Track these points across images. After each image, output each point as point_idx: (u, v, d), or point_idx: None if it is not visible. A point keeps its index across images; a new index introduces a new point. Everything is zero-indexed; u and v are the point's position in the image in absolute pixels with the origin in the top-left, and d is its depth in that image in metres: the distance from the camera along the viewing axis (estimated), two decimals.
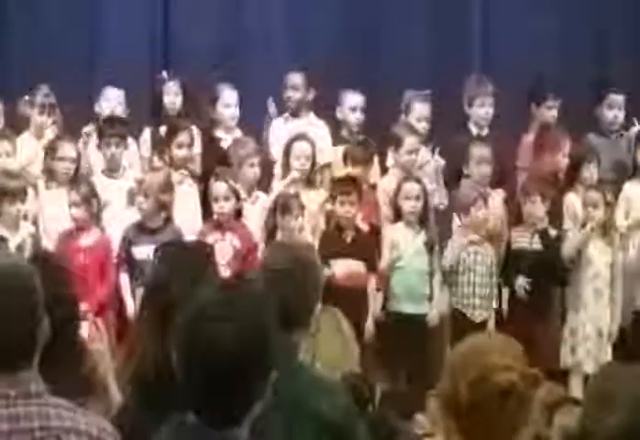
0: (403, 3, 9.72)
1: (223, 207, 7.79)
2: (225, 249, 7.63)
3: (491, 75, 8.96)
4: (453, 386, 2.59)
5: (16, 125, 8.55)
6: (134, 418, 3.35)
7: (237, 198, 7.86)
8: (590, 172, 8.32)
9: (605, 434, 2.73)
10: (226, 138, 8.68)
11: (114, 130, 8.26)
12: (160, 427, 2.51)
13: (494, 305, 7.94)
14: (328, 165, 8.53)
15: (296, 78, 8.83)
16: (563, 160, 8.45)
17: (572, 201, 8.25)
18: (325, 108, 8.88)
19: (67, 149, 8.09)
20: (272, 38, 9.64)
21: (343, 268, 7.70)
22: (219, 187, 7.84)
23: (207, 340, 2.48)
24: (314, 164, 8.27)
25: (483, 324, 7.74)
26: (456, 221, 8.14)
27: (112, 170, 8.24)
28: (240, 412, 2.51)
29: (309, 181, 8.26)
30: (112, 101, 8.70)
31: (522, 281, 7.85)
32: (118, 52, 9.39)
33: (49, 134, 8.38)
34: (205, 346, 2.48)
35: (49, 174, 8.06)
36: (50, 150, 8.10)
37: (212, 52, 9.61)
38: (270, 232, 7.76)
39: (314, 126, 8.80)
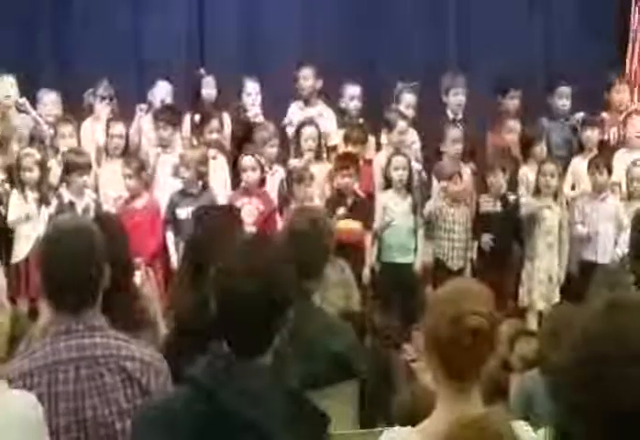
0: (397, 13, 9.64)
1: (250, 176, 7.77)
2: (251, 211, 7.62)
3: (466, 72, 8.89)
4: (434, 325, 2.58)
5: (82, 112, 8.54)
6: (176, 348, 3.35)
7: (262, 170, 7.85)
8: (541, 149, 8.30)
9: (555, 361, 2.72)
10: (250, 121, 8.63)
11: (165, 116, 8.26)
12: (197, 356, 2.50)
13: (468, 256, 7.93)
14: (334, 147, 8.50)
15: (306, 70, 8.77)
16: (514, 138, 8.46)
17: (526, 172, 8.24)
18: (332, 98, 8.82)
19: (117, 129, 8.11)
20: (286, 39, 9.55)
21: (344, 226, 7.69)
22: (247, 160, 7.83)
23: (233, 289, 2.47)
24: (319, 143, 8.24)
25: (459, 272, 7.72)
26: (434, 187, 8.13)
27: (163, 147, 8.22)
28: (264, 344, 2.49)
29: (317, 157, 8.21)
30: (162, 92, 8.66)
31: (487, 238, 7.83)
32: (163, 54, 9.32)
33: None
34: (233, 296, 2.47)
35: (106, 151, 8.08)
36: (105, 131, 8.11)
37: (238, 52, 9.55)
38: (284, 198, 7.77)
39: (323, 112, 8.73)
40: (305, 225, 3.77)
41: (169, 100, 8.62)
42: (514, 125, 8.58)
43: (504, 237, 7.87)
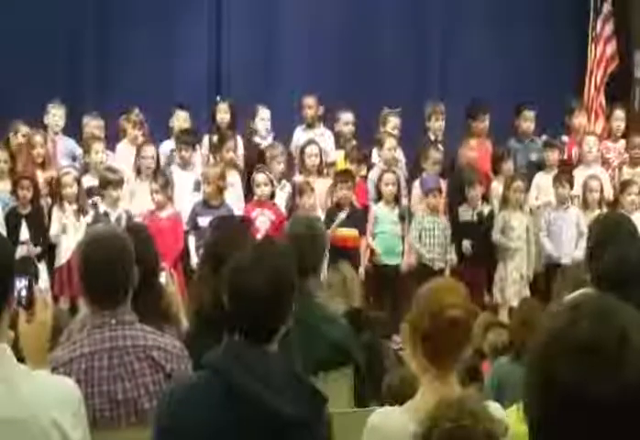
0: (389, 52, 9.69)
1: (263, 190, 7.75)
2: (264, 221, 7.63)
3: (445, 100, 8.89)
4: (418, 317, 2.58)
5: (117, 135, 8.54)
6: (196, 339, 3.34)
7: (272, 185, 7.84)
8: (508, 166, 8.35)
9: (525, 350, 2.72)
10: (261, 143, 8.63)
11: (185, 138, 8.24)
12: (215, 345, 2.49)
13: (447, 259, 7.91)
14: (333, 163, 8.50)
15: (310, 99, 8.76)
16: (481, 155, 8.43)
17: (497, 186, 8.24)
18: (330, 122, 8.82)
19: (149, 151, 8.06)
20: (294, 73, 9.56)
21: (342, 233, 7.69)
22: (260, 176, 7.81)
23: (244, 285, 2.47)
24: (321, 160, 8.23)
25: (440, 272, 7.69)
26: (415, 199, 8.11)
27: (184, 166, 8.20)
28: (271, 333, 2.49)
29: (319, 172, 8.20)
30: (181, 118, 8.65)
31: (467, 244, 7.83)
32: (185, 84, 9.35)
33: (139, 141, 8.36)
34: (243, 289, 2.47)
35: (138, 169, 8.05)
36: (138, 153, 8.09)
37: (251, 82, 9.55)
38: (290, 209, 7.77)
39: (324, 134, 8.71)
40: (302, 229, 3.77)
41: (186, 125, 8.60)
42: (482, 144, 8.55)
43: (480, 243, 7.85)
